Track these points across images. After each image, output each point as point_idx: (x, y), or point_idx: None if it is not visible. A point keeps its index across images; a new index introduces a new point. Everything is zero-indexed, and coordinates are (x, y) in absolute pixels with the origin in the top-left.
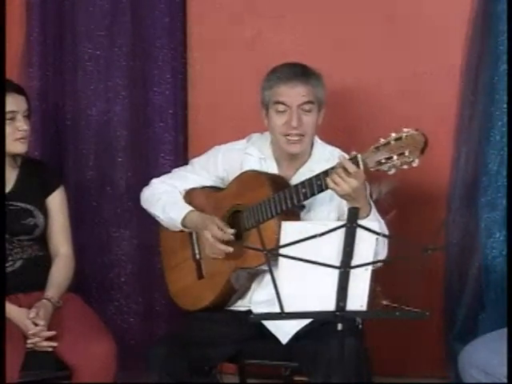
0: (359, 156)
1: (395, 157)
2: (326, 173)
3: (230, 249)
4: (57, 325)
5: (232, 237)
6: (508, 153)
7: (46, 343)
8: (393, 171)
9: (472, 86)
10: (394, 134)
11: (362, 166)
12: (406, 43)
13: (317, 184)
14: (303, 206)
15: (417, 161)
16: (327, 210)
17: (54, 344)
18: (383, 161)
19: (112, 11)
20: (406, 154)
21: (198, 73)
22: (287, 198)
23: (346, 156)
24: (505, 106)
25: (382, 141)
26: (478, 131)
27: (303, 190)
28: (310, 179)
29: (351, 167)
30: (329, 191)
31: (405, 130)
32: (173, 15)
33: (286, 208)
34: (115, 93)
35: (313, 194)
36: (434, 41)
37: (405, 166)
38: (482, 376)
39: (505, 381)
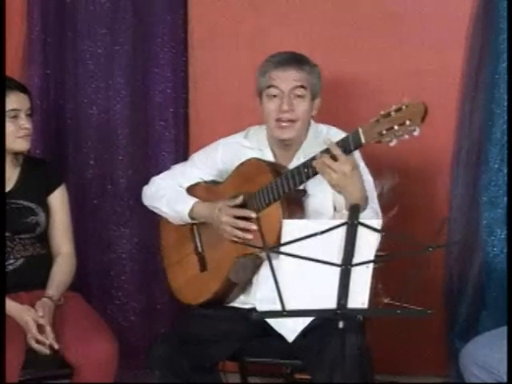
0: (360, 129)
1: (396, 127)
2: (326, 150)
3: (253, 226)
4: (58, 323)
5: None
6: (509, 150)
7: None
8: (394, 142)
9: (473, 83)
10: (394, 106)
11: (363, 139)
12: (408, 40)
13: None
14: (305, 191)
15: (418, 130)
16: (325, 193)
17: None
18: (384, 132)
19: (113, 9)
20: (407, 123)
21: (198, 71)
22: (289, 180)
23: (333, 140)
24: (505, 103)
25: (382, 112)
26: (479, 129)
27: (305, 170)
28: (311, 158)
29: (337, 152)
30: None
31: (405, 100)
32: (174, 13)
33: (288, 190)
34: (116, 91)
35: (315, 173)
36: (435, 38)
37: (406, 136)
38: (482, 373)
39: (505, 377)
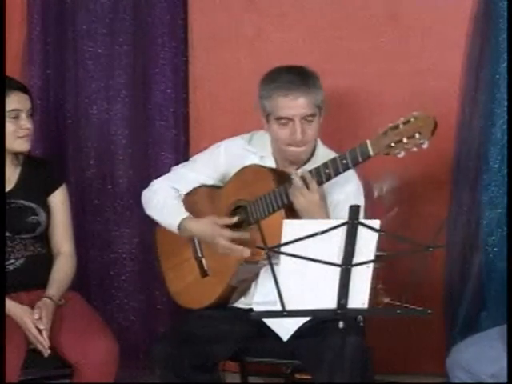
0: (368, 141)
1: (405, 139)
2: (333, 161)
3: (247, 251)
4: (58, 323)
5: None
6: (508, 150)
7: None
8: (402, 154)
9: (473, 84)
10: (402, 118)
11: (371, 151)
12: (408, 41)
13: (324, 172)
14: None
15: (427, 143)
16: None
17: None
18: (393, 144)
19: (113, 9)
20: (417, 136)
21: (198, 71)
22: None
23: (299, 172)
24: (505, 103)
25: (390, 125)
26: (479, 129)
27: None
28: (317, 168)
29: (310, 181)
30: (324, 186)
31: (414, 113)
32: (174, 13)
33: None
34: (116, 91)
35: (321, 183)
36: (435, 39)
37: (415, 149)
38: (466, 375)
39: (488, 380)
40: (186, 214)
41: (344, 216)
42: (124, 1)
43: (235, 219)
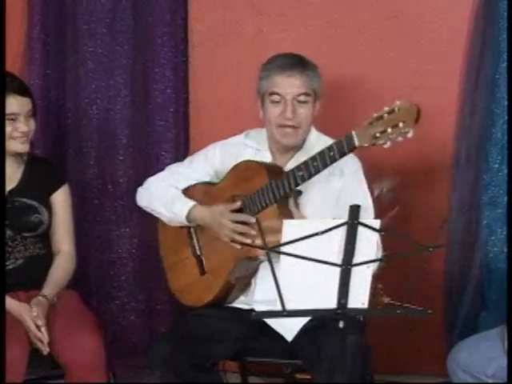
0: (353, 132)
1: (389, 129)
2: (321, 154)
3: (253, 232)
4: (50, 321)
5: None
6: (509, 150)
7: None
8: (388, 144)
9: (473, 83)
10: (386, 108)
11: (357, 142)
12: (408, 40)
13: (313, 166)
14: (300, 192)
15: (411, 131)
16: (320, 193)
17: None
18: (378, 135)
19: (113, 9)
20: (400, 125)
21: (199, 70)
22: (285, 183)
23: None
24: (505, 103)
25: (375, 115)
26: (479, 129)
27: (300, 173)
28: (305, 162)
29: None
30: (324, 174)
31: (397, 102)
32: (174, 13)
33: (284, 193)
34: (116, 91)
35: (310, 176)
36: (435, 38)
37: (400, 138)
38: (467, 377)
39: (489, 380)
40: (193, 202)
41: (351, 200)
42: (124, 1)
43: (238, 204)
